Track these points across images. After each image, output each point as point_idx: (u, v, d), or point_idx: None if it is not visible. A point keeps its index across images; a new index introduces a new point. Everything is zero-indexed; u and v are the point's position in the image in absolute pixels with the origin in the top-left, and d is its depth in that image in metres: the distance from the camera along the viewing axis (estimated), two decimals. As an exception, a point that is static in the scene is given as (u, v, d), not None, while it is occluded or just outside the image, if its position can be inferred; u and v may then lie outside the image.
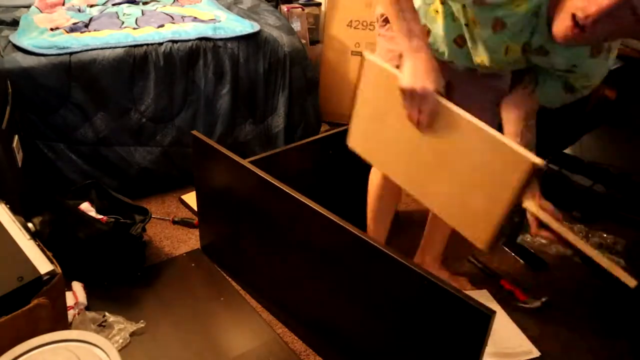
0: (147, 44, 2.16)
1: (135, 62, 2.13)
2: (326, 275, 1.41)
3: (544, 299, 1.78)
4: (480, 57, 1.26)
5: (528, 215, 1.19)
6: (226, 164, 1.63)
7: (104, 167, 2.21)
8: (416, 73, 1.15)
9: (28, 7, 2.61)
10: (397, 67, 1.23)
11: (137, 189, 2.29)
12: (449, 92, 1.30)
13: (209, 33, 2.28)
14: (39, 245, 1.33)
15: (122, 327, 1.60)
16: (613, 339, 1.69)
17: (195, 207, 2.18)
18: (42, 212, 1.81)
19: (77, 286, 1.73)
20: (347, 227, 1.28)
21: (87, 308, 1.67)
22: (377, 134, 1.34)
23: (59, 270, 1.29)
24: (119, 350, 1.51)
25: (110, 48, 2.10)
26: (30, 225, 1.42)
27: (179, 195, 2.31)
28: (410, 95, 1.16)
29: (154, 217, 2.11)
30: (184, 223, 2.13)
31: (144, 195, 2.30)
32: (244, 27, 2.35)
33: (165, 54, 2.17)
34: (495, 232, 1.15)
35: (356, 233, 1.26)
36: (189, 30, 2.27)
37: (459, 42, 1.29)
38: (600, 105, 2.14)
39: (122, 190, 2.21)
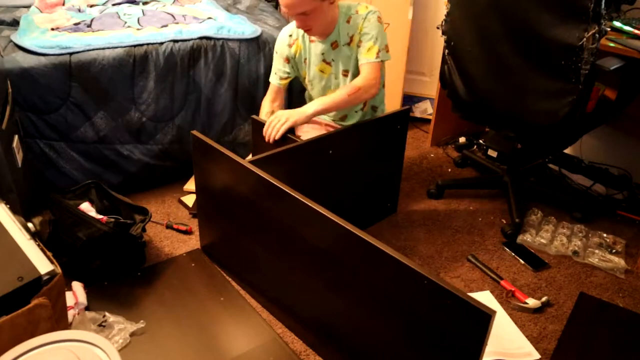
0: (148, 44, 2.16)
1: (136, 61, 2.13)
2: (326, 275, 1.41)
3: (544, 299, 1.78)
4: None
5: None
6: (226, 164, 1.63)
7: (105, 164, 2.22)
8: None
9: (28, 7, 2.61)
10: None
11: (138, 184, 2.30)
12: None
13: (211, 33, 2.28)
14: (39, 245, 1.33)
15: (122, 327, 1.60)
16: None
17: (190, 205, 2.21)
18: (42, 212, 1.81)
19: (77, 286, 1.73)
20: (347, 227, 1.28)
21: (87, 308, 1.68)
22: None
23: (59, 270, 1.29)
24: (119, 350, 1.52)
25: (111, 48, 2.10)
26: (30, 225, 1.42)
27: (179, 197, 2.31)
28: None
29: (151, 220, 2.10)
30: (178, 230, 2.10)
31: (145, 193, 2.31)
32: (244, 29, 2.36)
33: (166, 53, 2.17)
34: None
35: (356, 233, 1.26)
36: (191, 30, 2.27)
37: None
38: (600, 105, 2.14)
39: (124, 185, 2.22)
